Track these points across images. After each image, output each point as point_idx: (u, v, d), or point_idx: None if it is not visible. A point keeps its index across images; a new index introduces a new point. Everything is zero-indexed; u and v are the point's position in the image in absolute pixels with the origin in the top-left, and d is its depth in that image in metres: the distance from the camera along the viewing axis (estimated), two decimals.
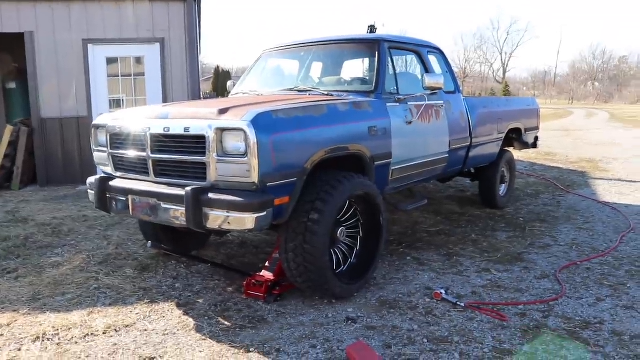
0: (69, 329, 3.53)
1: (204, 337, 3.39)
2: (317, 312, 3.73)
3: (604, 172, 9.96)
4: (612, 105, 60.30)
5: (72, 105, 8.96)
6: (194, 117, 3.62)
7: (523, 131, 7.17)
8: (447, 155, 5.38)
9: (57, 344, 3.33)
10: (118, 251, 5.19)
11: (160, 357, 3.14)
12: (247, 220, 3.28)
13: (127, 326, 3.56)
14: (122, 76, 9.32)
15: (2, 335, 3.48)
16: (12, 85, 10.51)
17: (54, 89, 8.90)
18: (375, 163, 4.25)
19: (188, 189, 3.41)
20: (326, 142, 3.74)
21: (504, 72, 65.87)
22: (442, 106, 5.30)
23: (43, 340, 3.38)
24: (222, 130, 3.39)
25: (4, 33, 8.84)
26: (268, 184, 3.36)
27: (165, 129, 3.67)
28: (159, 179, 3.78)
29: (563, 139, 16.97)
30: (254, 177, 3.29)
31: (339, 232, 3.92)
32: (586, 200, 7.47)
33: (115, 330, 3.51)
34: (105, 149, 4.21)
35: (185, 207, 3.42)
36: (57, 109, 8.95)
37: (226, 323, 3.59)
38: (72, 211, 6.91)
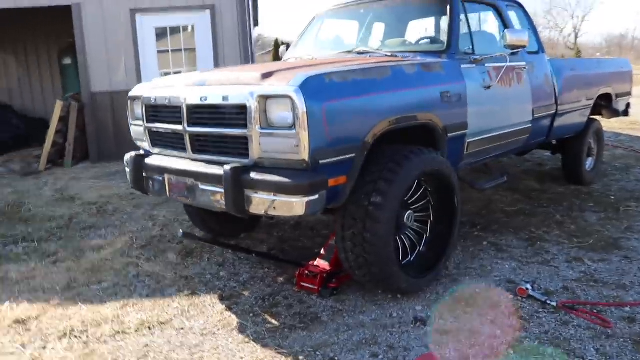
0: (99, 324, 3.17)
1: (246, 339, 2.92)
2: (379, 310, 3.19)
3: None
4: None
5: (121, 78, 8.67)
6: (233, 84, 3.10)
7: (614, 97, 6.28)
8: (530, 125, 4.65)
9: (85, 343, 2.98)
10: (163, 233, 4.81)
11: None
12: (295, 205, 2.76)
13: (162, 323, 3.15)
14: (172, 50, 8.95)
15: (29, 330, 3.17)
16: (68, 61, 10.37)
17: (103, 62, 8.63)
18: (449, 135, 3.62)
19: (227, 167, 2.91)
20: (391, 111, 3.14)
21: (576, 37, 62.13)
22: (525, 68, 4.57)
23: (70, 338, 3.04)
24: (265, 98, 2.86)
25: (53, 6, 8.61)
26: (321, 162, 2.81)
27: (202, 99, 3.17)
28: (197, 156, 3.31)
29: None
30: (304, 154, 2.75)
31: (405, 217, 3.34)
32: None
33: (149, 327, 3.10)
34: (141, 122, 3.78)
35: (223, 189, 2.92)
36: (107, 82, 8.68)
37: (274, 322, 3.11)
38: (121, 189, 6.62)
